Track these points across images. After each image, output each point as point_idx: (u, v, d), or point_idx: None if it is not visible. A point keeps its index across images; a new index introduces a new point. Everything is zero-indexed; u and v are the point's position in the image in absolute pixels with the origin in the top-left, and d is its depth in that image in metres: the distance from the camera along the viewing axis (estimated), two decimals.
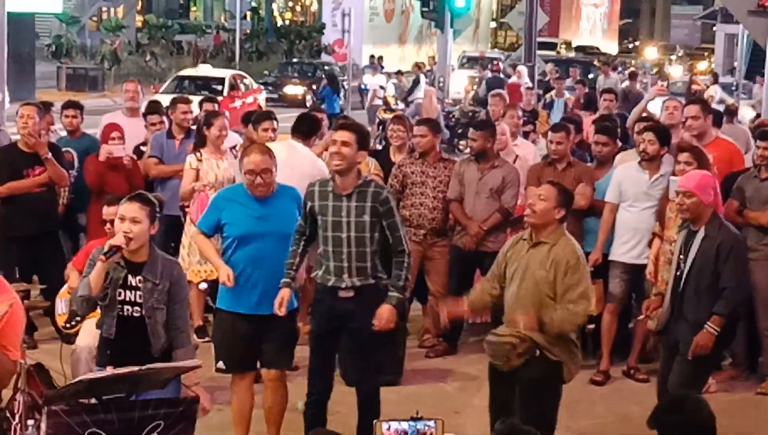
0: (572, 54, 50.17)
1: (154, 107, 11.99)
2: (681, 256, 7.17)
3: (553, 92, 22.06)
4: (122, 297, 6.09)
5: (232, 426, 7.91)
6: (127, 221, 6.03)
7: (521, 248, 6.84)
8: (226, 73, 30.56)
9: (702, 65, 53.96)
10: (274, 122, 10.02)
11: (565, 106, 20.16)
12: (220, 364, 7.39)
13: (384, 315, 7.00)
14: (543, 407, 6.64)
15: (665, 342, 7.45)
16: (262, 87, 32.52)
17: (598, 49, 58.12)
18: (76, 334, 7.99)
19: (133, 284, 6.09)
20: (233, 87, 28.81)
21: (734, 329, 7.32)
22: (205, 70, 31.61)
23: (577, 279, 6.63)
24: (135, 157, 10.86)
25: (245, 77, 31.10)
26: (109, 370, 5.48)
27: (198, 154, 9.97)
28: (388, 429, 3.27)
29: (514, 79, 26.63)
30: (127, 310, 6.10)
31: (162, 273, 6.12)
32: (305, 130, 9.59)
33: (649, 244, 9.18)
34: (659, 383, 7.36)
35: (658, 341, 9.49)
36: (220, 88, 27.76)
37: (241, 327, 7.28)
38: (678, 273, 7.18)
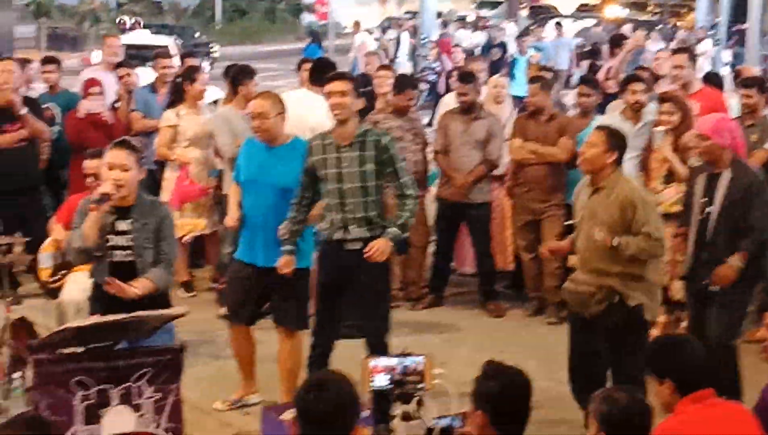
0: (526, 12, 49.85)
1: (122, 61, 11.85)
2: (704, 200, 7.14)
3: (514, 50, 21.85)
4: (112, 243, 6.03)
5: (218, 378, 7.93)
6: (116, 169, 5.98)
7: (585, 195, 6.83)
8: (167, 41, 26.83)
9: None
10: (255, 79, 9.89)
11: (528, 64, 20.07)
12: (222, 310, 7.42)
13: (377, 245, 6.86)
14: (628, 352, 6.62)
15: (691, 288, 7.42)
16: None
17: (554, 8, 57.99)
18: (60, 288, 7.97)
19: (122, 229, 6.03)
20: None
21: (760, 269, 7.34)
22: (142, 37, 28.06)
23: (647, 214, 6.62)
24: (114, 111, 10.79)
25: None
26: (95, 318, 5.44)
27: (176, 109, 9.90)
28: (376, 365, 3.25)
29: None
30: (118, 255, 6.03)
31: (151, 212, 6.07)
32: (320, 74, 9.36)
33: None
34: (690, 329, 7.40)
35: None
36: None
37: (245, 276, 7.28)
38: (702, 217, 7.15)
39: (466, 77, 10.18)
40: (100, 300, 6.09)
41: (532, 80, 10.01)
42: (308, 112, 8.53)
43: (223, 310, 7.47)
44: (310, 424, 3.70)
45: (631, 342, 6.66)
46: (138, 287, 5.94)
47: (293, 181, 7.13)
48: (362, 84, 12.33)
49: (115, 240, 6.03)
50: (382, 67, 11.53)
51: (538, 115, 9.64)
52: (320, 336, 7.14)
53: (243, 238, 7.38)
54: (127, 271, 6.02)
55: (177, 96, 10.01)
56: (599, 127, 7.05)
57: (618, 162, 6.78)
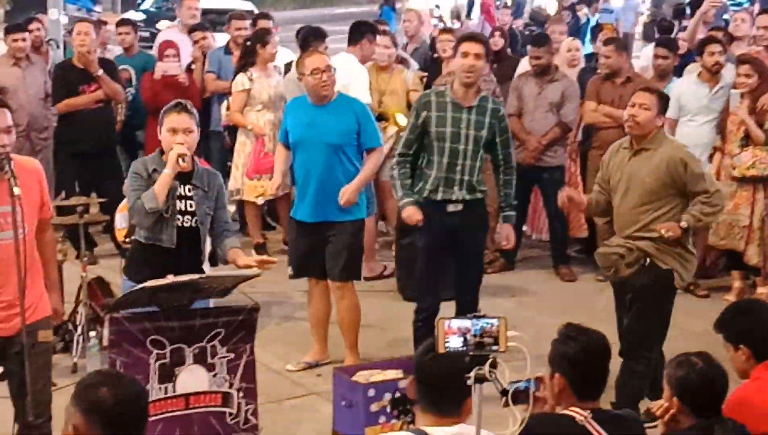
0: None
1: (197, 23, 11.88)
2: None
3: (586, 9, 21.24)
4: (177, 207, 6.00)
5: (290, 339, 7.98)
6: (180, 133, 5.95)
7: (622, 157, 6.67)
8: (249, 5, 25.37)
9: None
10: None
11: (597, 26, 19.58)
12: (290, 270, 7.45)
13: (508, 234, 7.21)
14: (653, 315, 6.57)
15: None
16: None
17: None
18: None
19: (183, 194, 6.00)
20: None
21: None
22: (222, 1, 25.32)
23: (698, 171, 6.53)
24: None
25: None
26: (170, 278, 5.47)
27: (248, 73, 9.91)
28: (449, 327, 3.24)
29: None
30: (179, 219, 6.00)
31: (208, 182, 6.06)
32: (353, 35, 9.38)
33: (710, 159, 9.06)
34: None
35: (718, 257, 9.45)
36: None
37: (304, 235, 7.34)
38: None
39: (540, 40, 10.09)
40: (150, 261, 6.00)
41: (607, 42, 9.88)
42: (343, 74, 8.53)
43: (290, 270, 7.49)
44: (428, 387, 3.69)
45: (656, 306, 6.56)
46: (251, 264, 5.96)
47: (343, 136, 7.22)
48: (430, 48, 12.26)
49: (179, 205, 6.00)
50: (444, 30, 11.42)
51: (613, 77, 9.53)
52: (426, 298, 7.14)
53: (297, 196, 7.43)
54: (190, 237, 6.02)
55: (248, 59, 10.02)
56: (647, 90, 6.80)
57: (662, 125, 6.67)
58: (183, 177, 6.00)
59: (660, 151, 6.50)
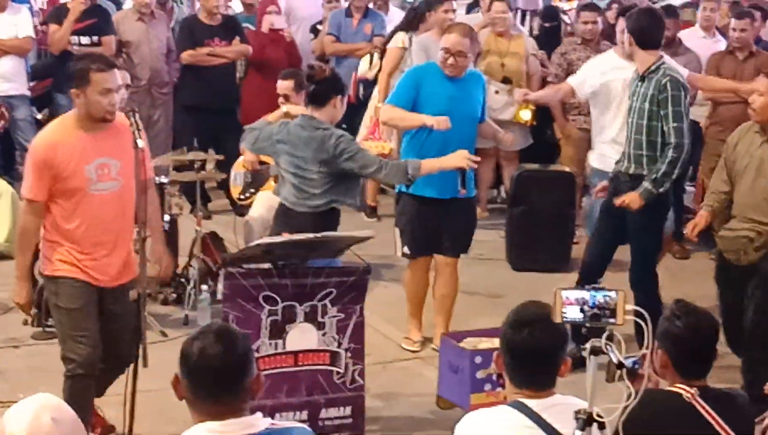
0: None
1: None
2: None
3: None
4: None
5: (398, 302, 8.00)
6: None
7: (752, 141, 6.46)
8: None
9: None
10: (453, 3, 9.76)
11: None
12: (406, 250, 7.29)
13: (626, 199, 6.82)
14: None
15: None
16: None
17: None
18: (249, 205, 8.15)
19: None
20: None
21: None
22: None
23: None
24: (312, 35, 10.93)
25: None
26: (285, 236, 5.54)
27: (409, 34, 9.60)
28: (567, 298, 3.23)
29: None
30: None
31: None
32: None
33: None
34: None
35: None
36: None
37: (425, 211, 7.12)
38: None
39: (746, 13, 9.79)
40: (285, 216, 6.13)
41: (740, 14, 9.60)
42: None
43: (405, 249, 7.34)
44: (517, 362, 3.65)
45: None
46: None
47: (480, 110, 7.20)
48: (549, 17, 12.07)
49: None
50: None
51: (736, 52, 9.33)
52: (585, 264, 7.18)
53: None
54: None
55: (412, 23, 9.75)
56: None
57: None
58: None
59: None
